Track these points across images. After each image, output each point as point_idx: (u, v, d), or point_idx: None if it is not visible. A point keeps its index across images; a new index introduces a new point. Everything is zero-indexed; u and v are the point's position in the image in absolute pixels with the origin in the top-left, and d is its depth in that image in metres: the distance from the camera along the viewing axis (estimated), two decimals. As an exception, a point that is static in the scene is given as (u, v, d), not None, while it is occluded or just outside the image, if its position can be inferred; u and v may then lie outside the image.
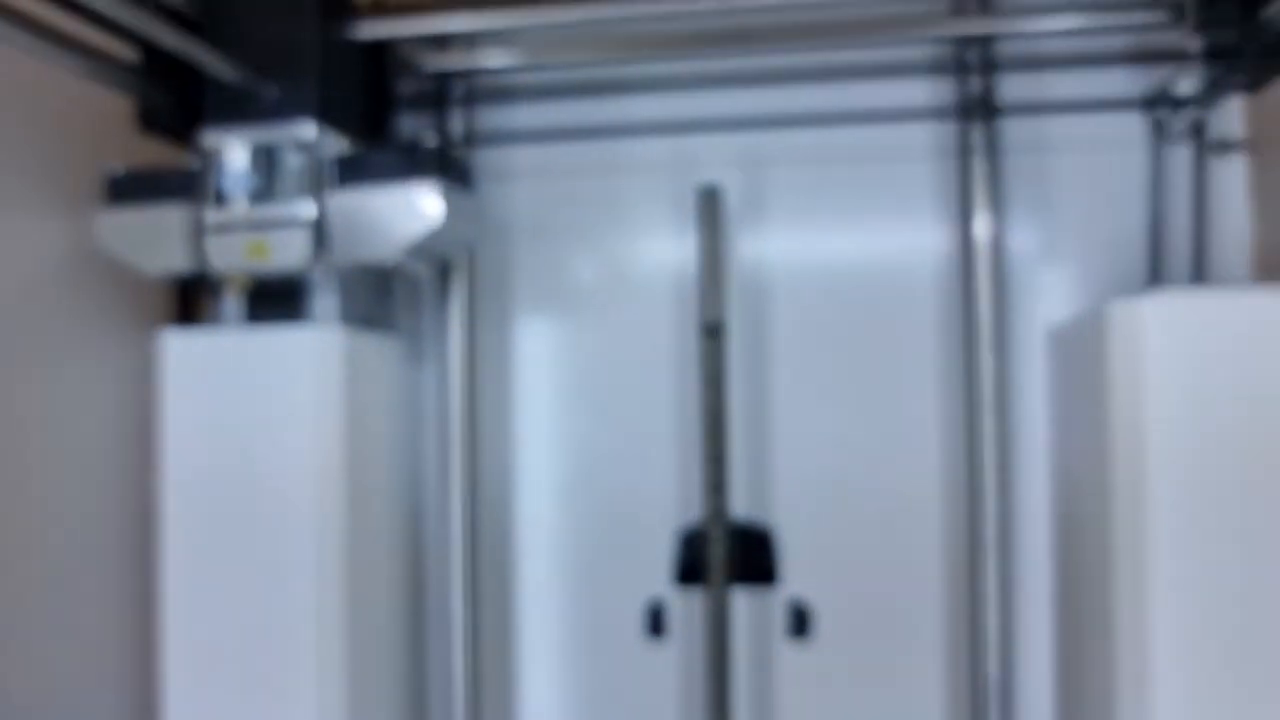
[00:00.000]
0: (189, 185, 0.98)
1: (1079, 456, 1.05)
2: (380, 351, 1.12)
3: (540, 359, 1.22)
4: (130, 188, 0.99)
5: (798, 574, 1.19)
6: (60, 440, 1.00)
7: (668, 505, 1.20)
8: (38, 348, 0.98)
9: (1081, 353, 1.04)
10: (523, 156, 1.21)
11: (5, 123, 0.95)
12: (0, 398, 0.93)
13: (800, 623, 1.19)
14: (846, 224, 1.17)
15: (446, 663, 1.17)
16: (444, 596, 1.17)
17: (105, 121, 1.02)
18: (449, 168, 0.98)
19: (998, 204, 1.12)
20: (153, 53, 0.99)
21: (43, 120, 0.99)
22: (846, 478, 1.18)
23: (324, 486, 1.02)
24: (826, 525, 1.19)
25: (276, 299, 1.06)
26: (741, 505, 1.16)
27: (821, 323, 1.17)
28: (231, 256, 0.97)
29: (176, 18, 0.93)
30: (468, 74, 1.14)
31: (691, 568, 1.19)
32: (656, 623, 1.21)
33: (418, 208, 0.95)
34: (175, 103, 1.00)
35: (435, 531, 1.20)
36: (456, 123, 1.16)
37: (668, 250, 1.20)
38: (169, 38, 0.85)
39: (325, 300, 1.06)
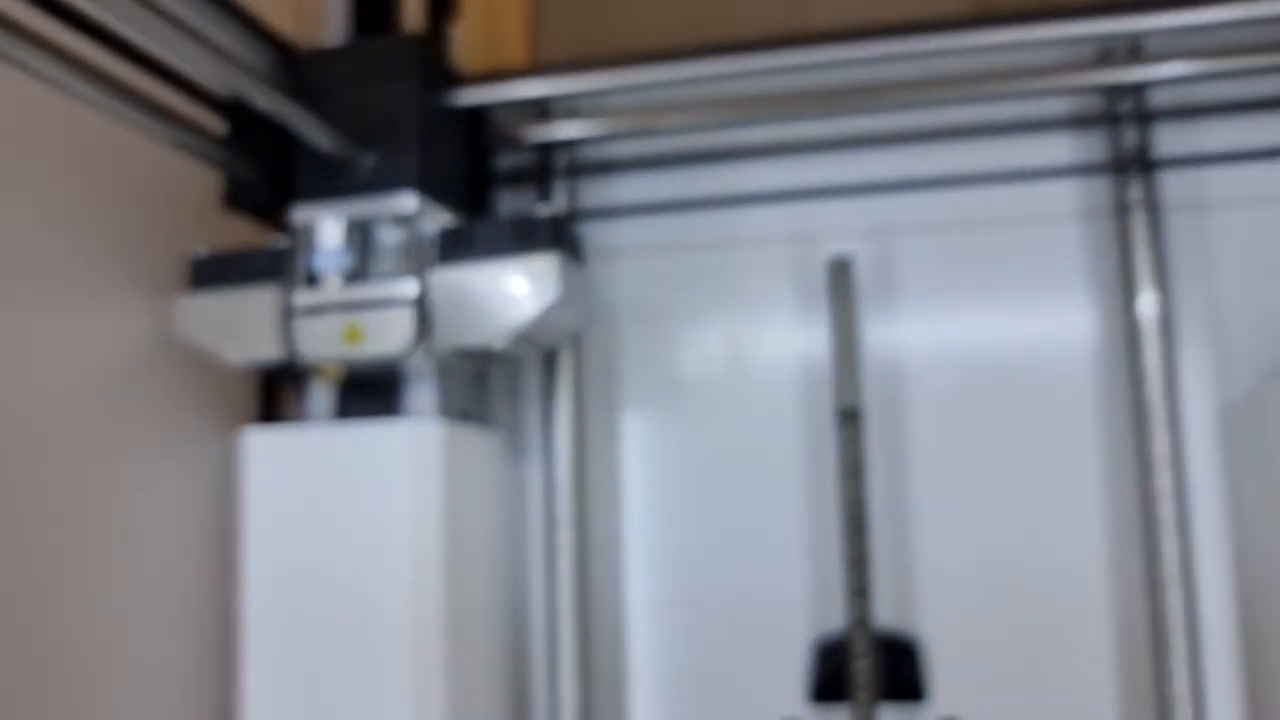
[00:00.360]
0: (277, 266, 0.88)
1: (1273, 539, 0.92)
2: (481, 447, 1.01)
3: (653, 452, 1.10)
4: (214, 271, 0.89)
5: (949, 689, 1.04)
6: (139, 540, 0.90)
7: (799, 613, 1.06)
8: (117, 443, 0.88)
9: (1269, 429, 0.91)
10: (629, 232, 1.11)
11: (85, 204, 0.86)
12: (78, 495, 0.83)
13: (957, 745, 1.04)
14: (988, 293, 1.05)
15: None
16: (553, 712, 1.02)
17: (191, 202, 0.93)
18: (563, 240, 0.87)
19: (1160, 265, 1.00)
20: (240, 125, 0.91)
21: (126, 201, 0.90)
22: (1000, 578, 1.04)
23: (420, 593, 0.91)
24: (980, 633, 1.04)
25: (368, 392, 0.97)
26: (883, 611, 1.02)
27: (964, 405, 1.05)
28: (323, 342, 0.85)
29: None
30: (570, 144, 1.05)
31: (830, 683, 1.05)
32: (790, 748, 1.06)
33: (532, 283, 0.84)
34: (263, 175, 0.90)
35: (541, 639, 1.06)
36: (559, 197, 1.06)
37: (790, 329, 1.09)
38: (264, 98, 0.75)
39: (421, 393, 0.96)
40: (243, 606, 0.93)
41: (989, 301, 1.06)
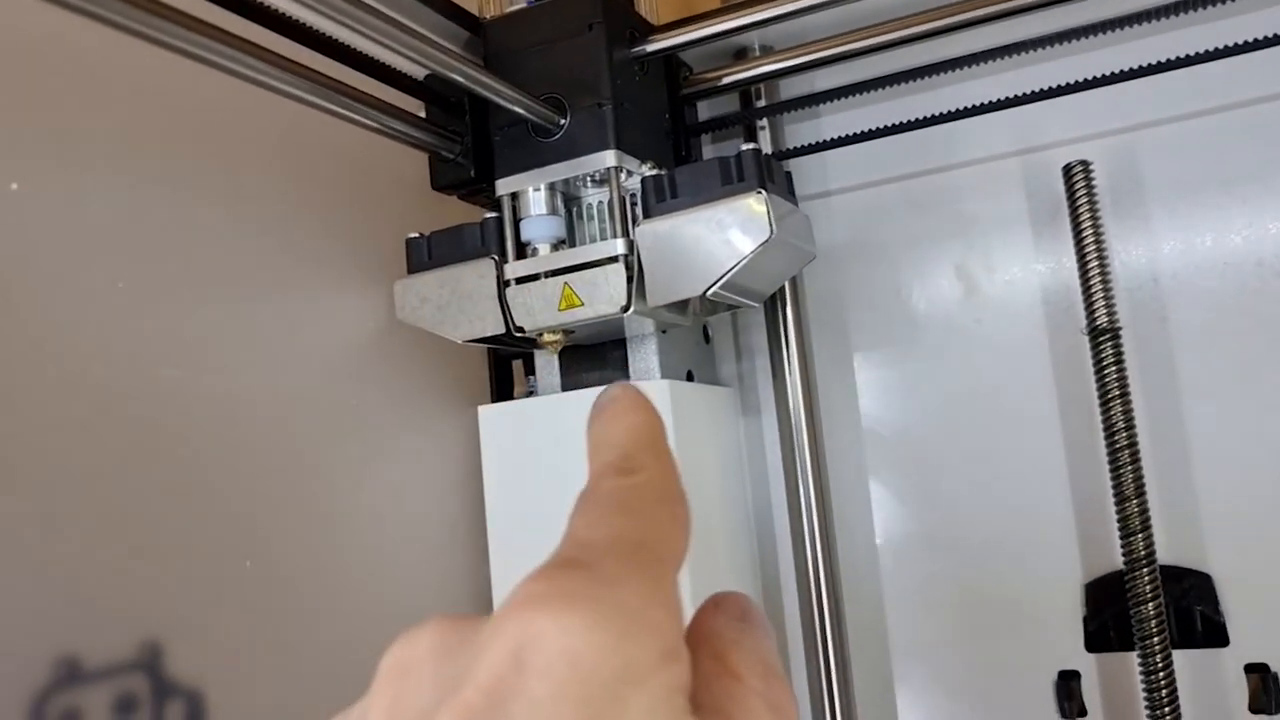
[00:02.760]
0: (488, 241, 0.87)
1: None
2: (709, 404, 0.98)
3: (891, 393, 1.04)
4: (428, 252, 0.89)
5: (1249, 633, 0.93)
6: (382, 525, 0.91)
7: (1067, 553, 0.97)
8: (357, 428, 0.90)
9: None
10: (841, 167, 1.05)
11: (316, 201, 0.89)
12: (322, 481, 0.86)
13: (1268, 695, 0.93)
14: (1256, 185, 0.93)
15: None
16: (811, 665, 0.98)
17: (407, 188, 0.95)
18: (771, 177, 0.82)
19: None
20: (436, 105, 0.92)
21: (352, 194, 0.93)
22: (1303, 504, 0.92)
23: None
24: (1281, 567, 0.92)
25: (592, 361, 0.97)
26: (1161, 548, 0.92)
27: (1237, 314, 0.93)
28: (539, 311, 0.85)
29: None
30: (770, 81, 1.00)
31: (1111, 630, 0.97)
32: (1071, 702, 0.98)
33: (741, 225, 0.79)
34: (464, 153, 0.91)
35: (792, 594, 1.02)
36: (764, 138, 1.01)
37: (1026, 250, 1.00)
38: (462, 74, 0.75)
39: (644, 356, 0.94)
40: (490, 579, 0.94)
41: (1259, 193, 0.93)
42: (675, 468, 0.44)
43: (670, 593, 0.32)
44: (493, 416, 0.95)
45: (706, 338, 1.05)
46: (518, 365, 1.05)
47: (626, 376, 0.94)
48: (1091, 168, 0.89)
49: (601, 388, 0.83)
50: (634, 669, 0.26)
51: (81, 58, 0.70)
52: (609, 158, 0.84)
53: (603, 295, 0.83)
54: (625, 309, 0.82)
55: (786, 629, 1.04)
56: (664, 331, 0.94)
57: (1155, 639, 0.86)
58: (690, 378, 0.98)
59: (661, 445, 0.46)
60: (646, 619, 0.28)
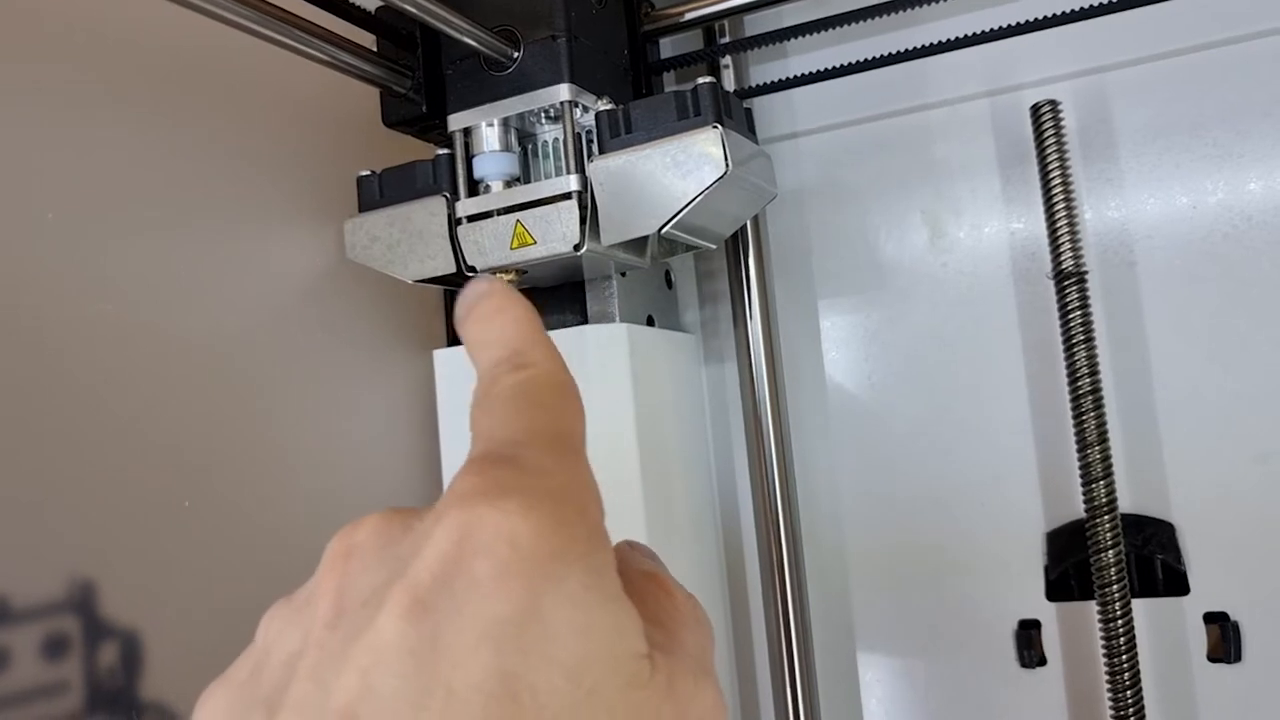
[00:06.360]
0: (439, 178, 0.85)
1: None
2: (670, 349, 0.96)
3: (856, 339, 1.02)
4: (379, 189, 0.87)
5: (1210, 582, 0.92)
6: (333, 465, 0.88)
7: (1030, 501, 0.96)
8: (311, 366, 0.89)
9: None
10: (808, 107, 1.03)
11: (262, 136, 0.86)
12: (272, 421, 0.85)
13: (1227, 644, 0.92)
14: (1228, 128, 0.91)
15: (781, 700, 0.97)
16: (770, 610, 0.97)
17: (361, 125, 0.92)
18: (730, 110, 0.80)
19: None
20: (387, 38, 0.89)
21: (301, 130, 0.90)
22: (1264, 452, 0.91)
23: (617, 504, 0.86)
24: (1243, 516, 0.91)
25: (550, 303, 0.94)
26: (1124, 496, 0.91)
27: (1207, 261, 0.91)
28: (491, 250, 0.82)
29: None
30: (735, 15, 0.97)
31: (1071, 579, 0.96)
32: (1031, 650, 0.97)
33: (694, 161, 0.77)
34: (415, 88, 0.88)
35: (752, 541, 1.01)
36: (728, 76, 0.99)
37: (995, 192, 0.98)
38: (412, 4, 0.72)
39: (603, 299, 0.93)
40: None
41: (1229, 137, 0.91)
42: (563, 359, 0.44)
43: (590, 478, 0.35)
44: (448, 359, 0.93)
45: (669, 283, 1.03)
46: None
47: (585, 320, 0.92)
48: (1060, 108, 0.87)
49: (564, 329, 0.81)
50: (569, 549, 0.29)
51: (4, -24, 0.67)
52: (562, 91, 0.82)
53: (556, 233, 0.81)
54: (578, 247, 0.80)
55: (746, 577, 1.03)
56: (623, 274, 0.92)
57: (1114, 587, 0.85)
58: (651, 322, 0.96)
59: (545, 337, 0.46)
60: (575, 504, 0.31)
